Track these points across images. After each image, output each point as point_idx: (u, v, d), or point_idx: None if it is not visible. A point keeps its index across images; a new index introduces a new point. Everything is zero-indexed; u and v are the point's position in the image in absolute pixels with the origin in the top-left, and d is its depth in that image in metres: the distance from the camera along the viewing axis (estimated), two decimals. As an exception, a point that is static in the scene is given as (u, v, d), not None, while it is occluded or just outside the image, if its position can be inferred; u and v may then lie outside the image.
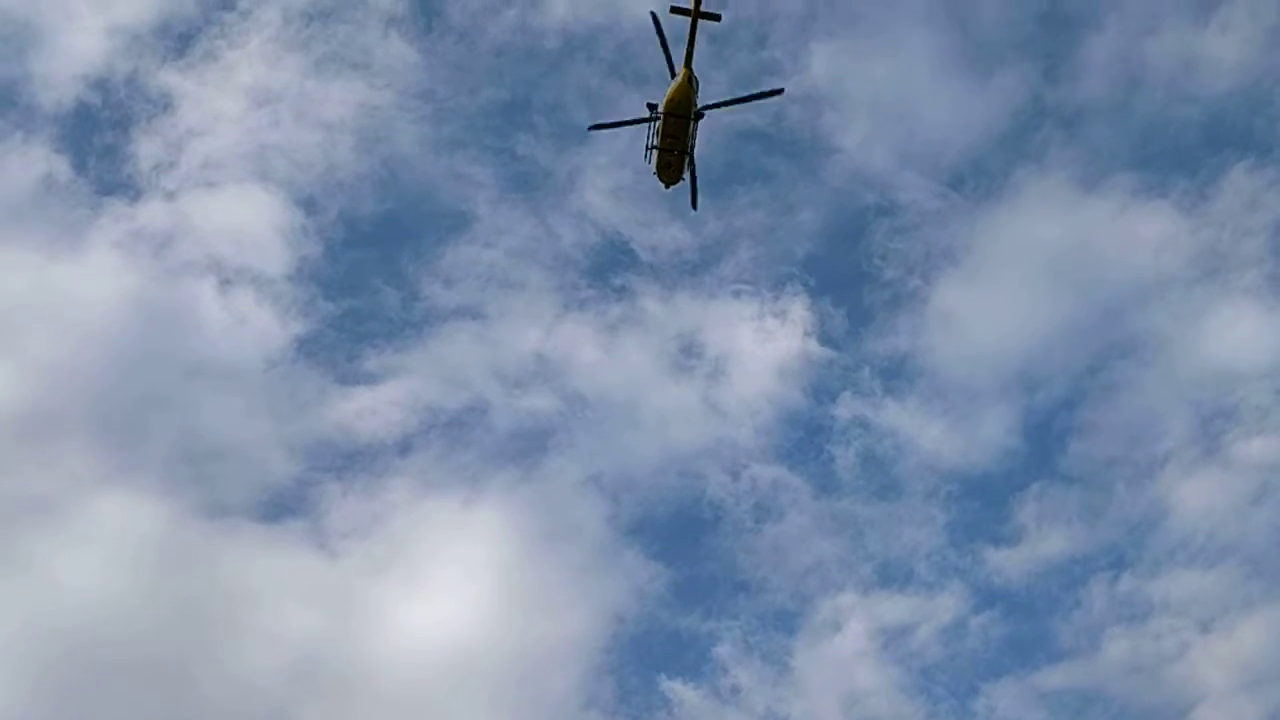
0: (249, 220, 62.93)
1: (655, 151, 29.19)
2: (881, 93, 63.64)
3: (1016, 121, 61.93)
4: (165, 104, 63.05)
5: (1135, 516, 56.85)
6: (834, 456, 61.29)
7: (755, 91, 29.55)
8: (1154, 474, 56.88)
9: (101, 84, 62.54)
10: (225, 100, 63.55)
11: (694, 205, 31.09)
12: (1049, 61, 61.81)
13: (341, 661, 54.44)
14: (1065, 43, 62.00)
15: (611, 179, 64.02)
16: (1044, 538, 57.88)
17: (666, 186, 31.05)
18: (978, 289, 61.66)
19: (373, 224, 65.07)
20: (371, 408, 60.49)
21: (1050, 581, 57.20)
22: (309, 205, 63.58)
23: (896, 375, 61.75)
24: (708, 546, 61.12)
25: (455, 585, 58.57)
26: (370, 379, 61.59)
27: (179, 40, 63.95)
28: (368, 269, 64.57)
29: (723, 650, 58.03)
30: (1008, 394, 60.30)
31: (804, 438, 61.91)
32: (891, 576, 58.91)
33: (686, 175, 30.23)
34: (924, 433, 60.63)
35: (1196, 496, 55.86)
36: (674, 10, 27.79)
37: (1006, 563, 57.87)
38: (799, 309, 62.67)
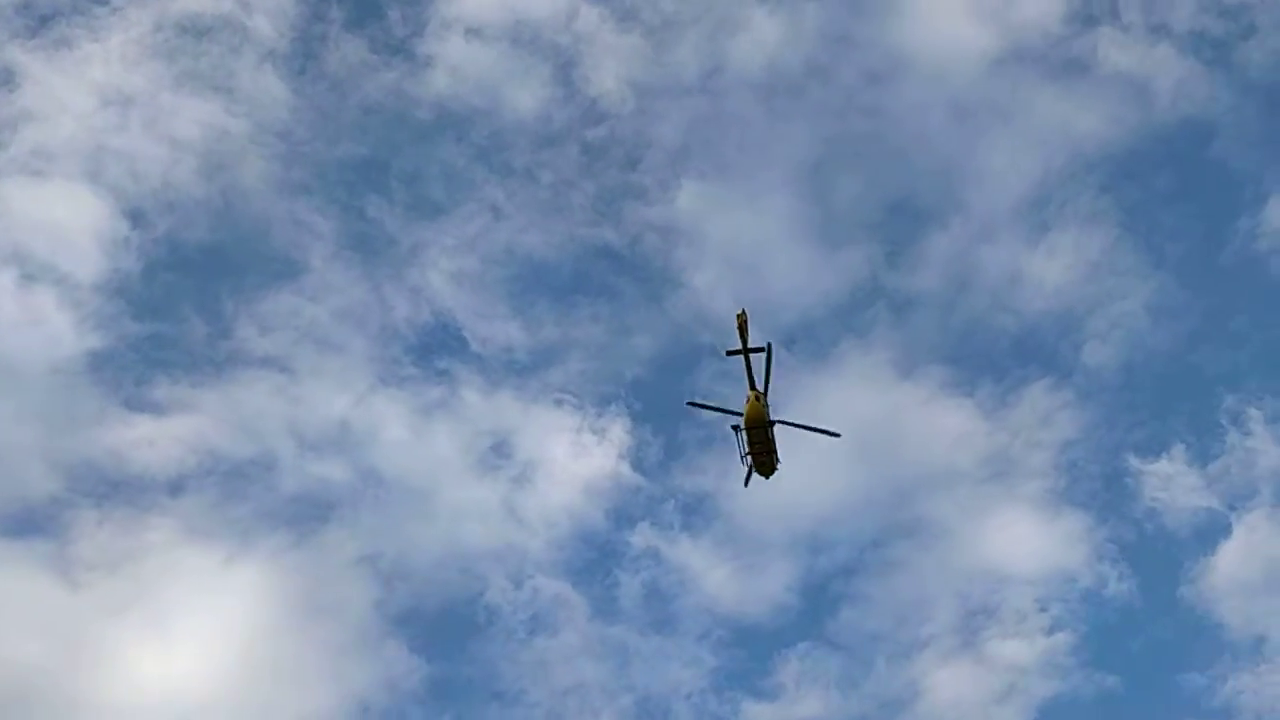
0: (69, 219, 59.80)
1: (749, 458, 36.06)
2: (736, 241, 65.71)
3: (853, 297, 64.72)
4: (6, 80, 60.13)
5: (889, 693, 58.35)
6: (619, 582, 61.22)
7: (817, 426, 36.06)
8: (913, 655, 58.71)
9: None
10: (72, 91, 60.91)
11: (832, 433, 36.89)
12: (892, 248, 65.05)
13: (60, 698, 50.87)
14: (910, 234, 65.48)
15: (457, 263, 63.91)
16: (801, 698, 58.75)
17: (767, 477, 37.17)
18: (787, 446, 63.33)
19: (199, 252, 62.73)
20: (150, 439, 57.53)
21: (798, 744, 57.96)
22: (136, 218, 60.98)
23: (696, 513, 62.45)
24: (474, 650, 59.81)
25: (199, 641, 55.52)
26: (157, 409, 58.71)
27: (38, 19, 61.29)
28: (182, 296, 61.95)
29: (469, 758, 56.68)
30: (795, 551, 61.68)
31: (595, 559, 61.73)
32: (649, 711, 58.66)
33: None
34: (709, 574, 61.25)
35: (948, 685, 57.82)
36: (729, 352, 35.14)
37: (761, 717, 58.45)
38: (618, 430, 63.05)
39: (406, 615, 58.72)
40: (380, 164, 65.21)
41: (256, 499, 58.58)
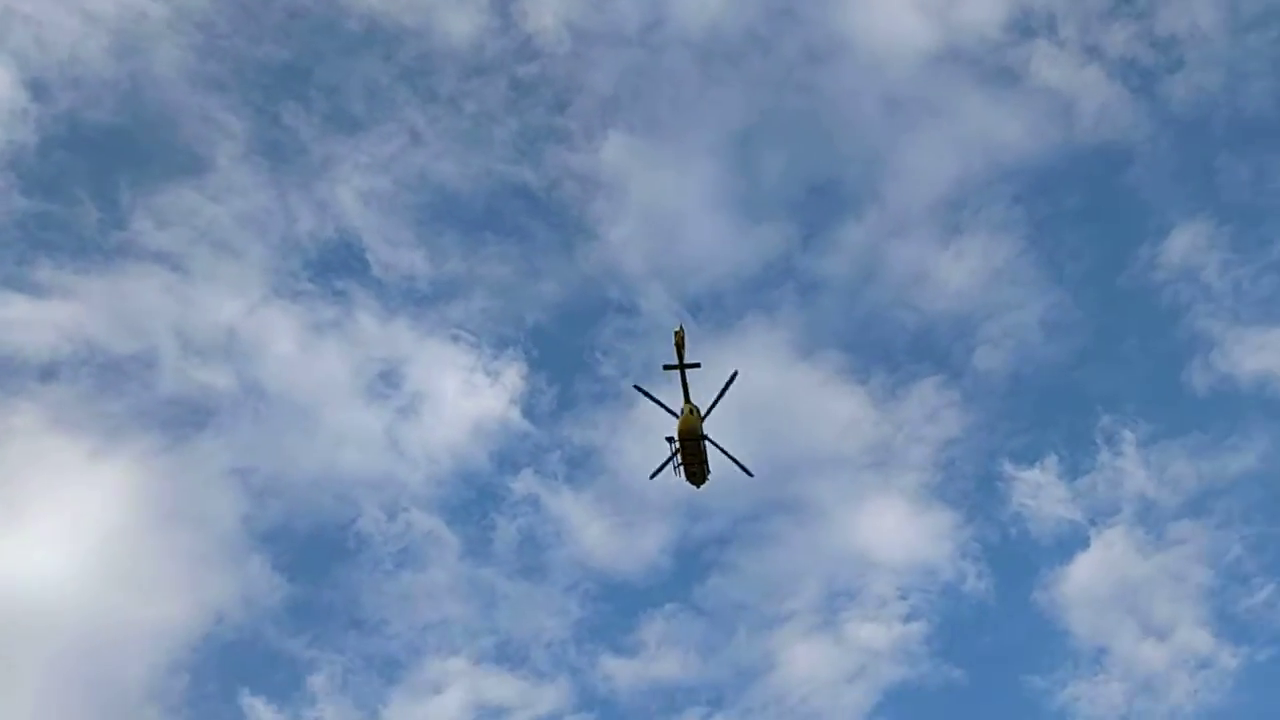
0: (-36, 81, 56.87)
1: (682, 468, 37.16)
2: (657, 201, 65.41)
3: (765, 273, 65.02)
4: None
5: (746, 662, 59.44)
6: (495, 525, 61.03)
7: (737, 460, 37.47)
8: (774, 628, 59.85)
9: None
10: (-18, -54, 57.62)
11: (748, 472, 38.26)
12: (809, 231, 65.48)
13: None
14: (828, 218, 65.95)
15: (369, 183, 62.42)
16: (659, 658, 59.49)
17: (699, 486, 37.99)
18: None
19: (101, 133, 60.12)
20: (27, 320, 55.53)
21: (651, 700, 58.71)
22: (38, 90, 58.26)
23: (581, 467, 62.46)
24: (339, 575, 59.21)
25: (54, 534, 54.08)
26: (37, 290, 56.51)
27: None
28: (78, 178, 59.46)
29: (317, 681, 56.16)
30: (673, 516, 62.13)
31: (473, 500, 61.42)
32: (508, 655, 58.86)
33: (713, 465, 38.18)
34: (587, 528, 61.41)
35: (804, 660, 59.12)
36: (666, 367, 36.51)
37: (619, 672, 59.01)
38: (513, 375, 62.55)
39: (274, 533, 57.98)
40: (301, 71, 63.25)
41: (131, 396, 57.03)
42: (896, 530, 61.10)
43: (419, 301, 62.38)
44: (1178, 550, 57.79)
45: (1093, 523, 59.25)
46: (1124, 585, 57.87)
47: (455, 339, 62.12)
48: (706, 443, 36.94)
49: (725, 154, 65.34)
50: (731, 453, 37.40)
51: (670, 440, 36.45)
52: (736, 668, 59.26)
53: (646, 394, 36.85)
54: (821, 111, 65.71)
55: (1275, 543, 57.17)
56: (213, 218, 60.04)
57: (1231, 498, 58.04)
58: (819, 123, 65.89)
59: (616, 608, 60.68)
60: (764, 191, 65.74)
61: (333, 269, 61.84)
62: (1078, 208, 64.98)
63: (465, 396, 61.65)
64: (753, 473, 38.25)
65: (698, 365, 35.79)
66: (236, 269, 60.23)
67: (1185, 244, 61.53)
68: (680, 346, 35.91)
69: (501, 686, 57.69)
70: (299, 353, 60.30)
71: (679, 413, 36.40)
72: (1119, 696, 55.72)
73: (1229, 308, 60.52)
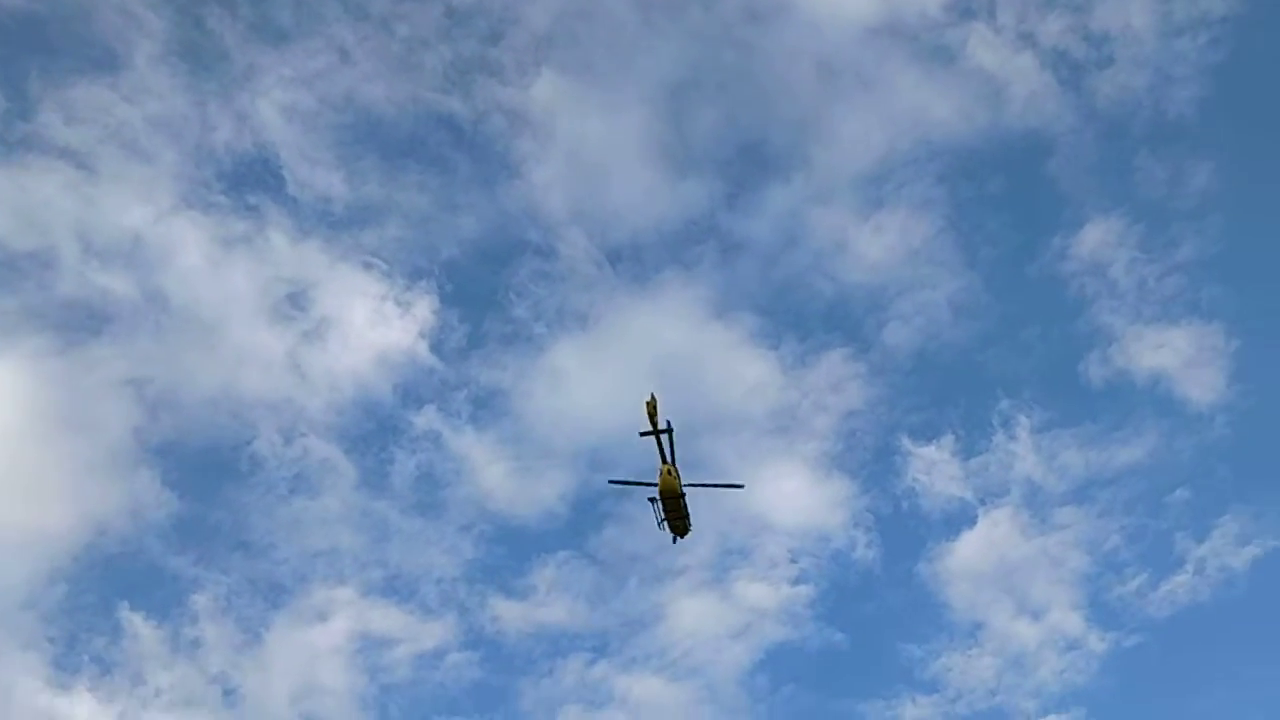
0: None
1: (664, 523, 39.70)
2: (584, 144, 64.72)
3: (687, 230, 64.88)
4: None
5: (634, 612, 60.10)
6: (394, 459, 60.49)
7: (721, 482, 40.13)
8: (665, 581, 60.53)
9: None
10: None
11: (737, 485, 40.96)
12: (735, 190, 65.43)
13: None
14: (754, 179, 65.92)
15: (292, 98, 60.66)
16: (548, 603, 59.83)
17: (682, 536, 40.43)
18: (592, 360, 63.50)
19: (10, 18, 57.28)
20: (-82, 207, 53.15)
21: (537, 644, 59.14)
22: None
23: (486, 407, 62.12)
24: (229, 496, 58.25)
25: (-67, 431, 52.30)
26: (-69, 176, 54.08)
27: None
28: (-18, 63, 56.84)
29: (200, 600, 55.50)
30: (575, 464, 62.24)
31: (374, 431, 60.74)
32: (397, 589, 58.67)
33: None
34: (486, 469, 61.23)
35: (690, 615, 59.96)
36: (642, 434, 37.88)
37: (506, 614, 59.24)
38: (424, 308, 61.71)
39: (166, 447, 56.80)
40: (230, -30, 60.97)
41: (26, 295, 55.04)
42: (794, 495, 62.12)
43: (333, 225, 61.11)
44: (1059, 535, 59.76)
45: (982, 502, 60.93)
46: (1004, 564, 59.72)
47: (368, 266, 61.13)
48: (686, 496, 39.45)
49: (657, 104, 64.92)
50: (712, 483, 39.82)
51: (653, 501, 38.83)
52: (624, 618, 59.96)
53: (624, 481, 39.40)
54: (757, 71, 65.54)
55: (1152, 535, 59.44)
56: (125, 118, 57.88)
57: (1115, 489, 60.08)
58: (753, 82, 65.75)
59: (510, 550, 60.85)
60: (693, 146, 65.53)
61: (247, 183, 60.22)
62: (998, 193, 65.98)
63: (373, 326, 60.83)
64: (742, 484, 41.04)
65: (669, 430, 37.57)
66: (146, 173, 58.27)
67: (1097, 239, 62.97)
68: (653, 414, 37.47)
69: (388, 619, 57.67)
70: (206, 266, 58.73)
71: (658, 474, 38.63)
72: (989, 671, 57.70)
73: (1132, 305, 62.23)
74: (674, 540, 41.11)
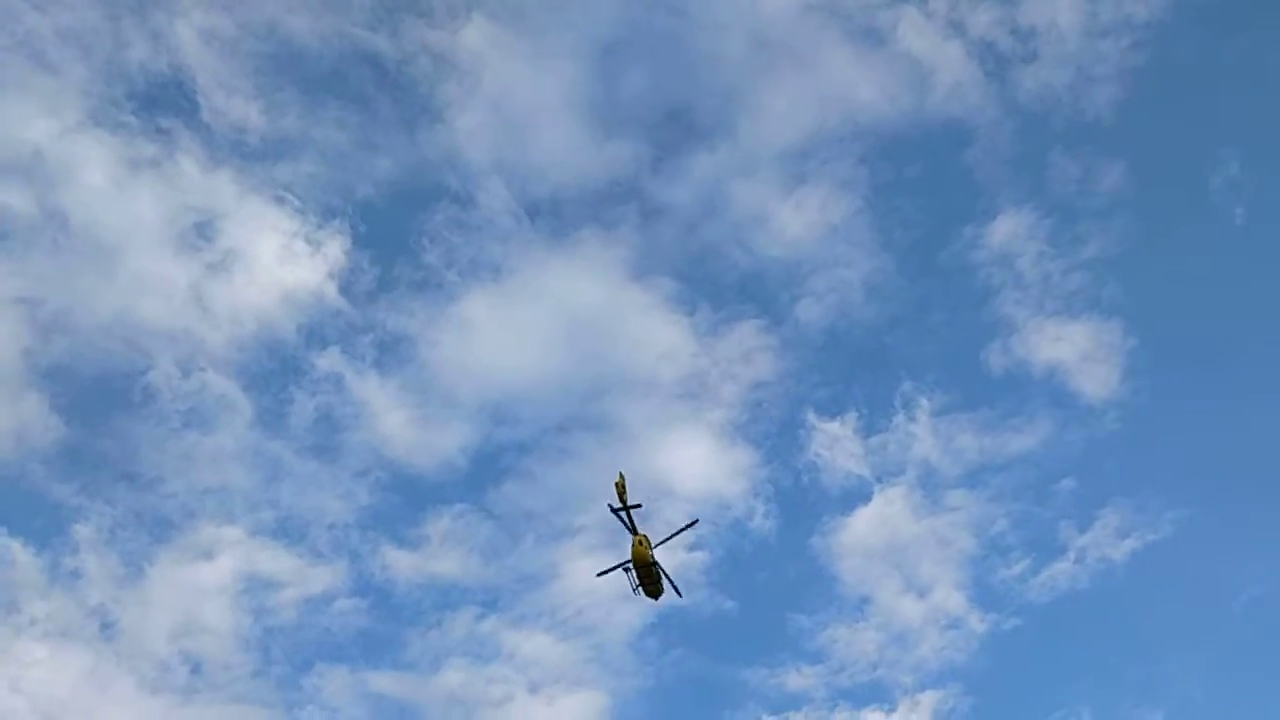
0: None
1: (639, 588, 42.34)
2: (511, 95, 63.89)
3: (609, 190, 64.55)
4: None
5: (527, 570, 60.05)
6: (293, 399, 59.44)
7: (681, 527, 42.13)
8: (561, 540, 60.56)
9: None
10: None
11: (678, 592, 43.00)
12: (660, 154, 65.20)
13: None
14: (679, 147, 65.79)
15: (213, 21, 58.89)
16: (441, 555, 59.48)
17: (656, 599, 42.78)
18: (503, 313, 63.02)
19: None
20: None
21: (427, 595, 58.79)
22: None
23: (392, 353, 61.31)
24: (120, 425, 56.77)
25: None
26: None
27: None
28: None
29: (83, 530, 54.25)
30: (479, 416, 61.83)
31: (275, 370, 59.57)
32: (287, 531, 57.83)
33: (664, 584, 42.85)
34: (388, 416, 60.50)
35: (582, 576, 60.00)
36: (612, 510, 40.86)
37: (397, 563, 58.76)
38: (336, 248, 60.53)
39: (56, 371, 55.29)
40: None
41: (-86, 203, 52.89)
42: (698, 463, 62.58)
43: (247, 155, 59.54)
44: (949, 517, 61.08)
45: (878, 480, 62.01)
46: (895, 542, 60.91)
47: (280, 201, 59.74)
48: (658, 566, 42.27)
49: (588, 61, 64.33)
50: (674, 532, 42.41)
51: (627, 569, 41.71)
52: (517, 574, 59.89)
53: (609, 570, 42.16)
54: (690, 36, 65.30)
55: (1037, 522, 61.05)
56: (34, 27, 55.73)
57: (1006, 475, 61.52)
58: (685, 47, 65.52)
59: (405, 499, 60.30)
60: (621, 107, 65.14)
61: (159, 105, 58.34)
62: (916, 178, 66.80)
63: (282, 263, 59.50)
64: (681, 593, 43.28)
65: (639, 505, 40.61)
66: (53, 86, 56.15)
67: (1007, 230, 64.14)
68: (622, 492, 40.41)
69: (276, 561, 56.80)
70: (110, 187, 56.88)
71: (631, 545, 41.70)
72: (873, 644, 58.88)
73: (1036, 298, 63.56)
74: (657, 598, 43.67)
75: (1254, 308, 63.98)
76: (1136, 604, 59.55)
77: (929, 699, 56.66)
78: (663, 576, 42.02)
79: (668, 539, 41.62)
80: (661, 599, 43.26)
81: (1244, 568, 58.86)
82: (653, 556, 41.09)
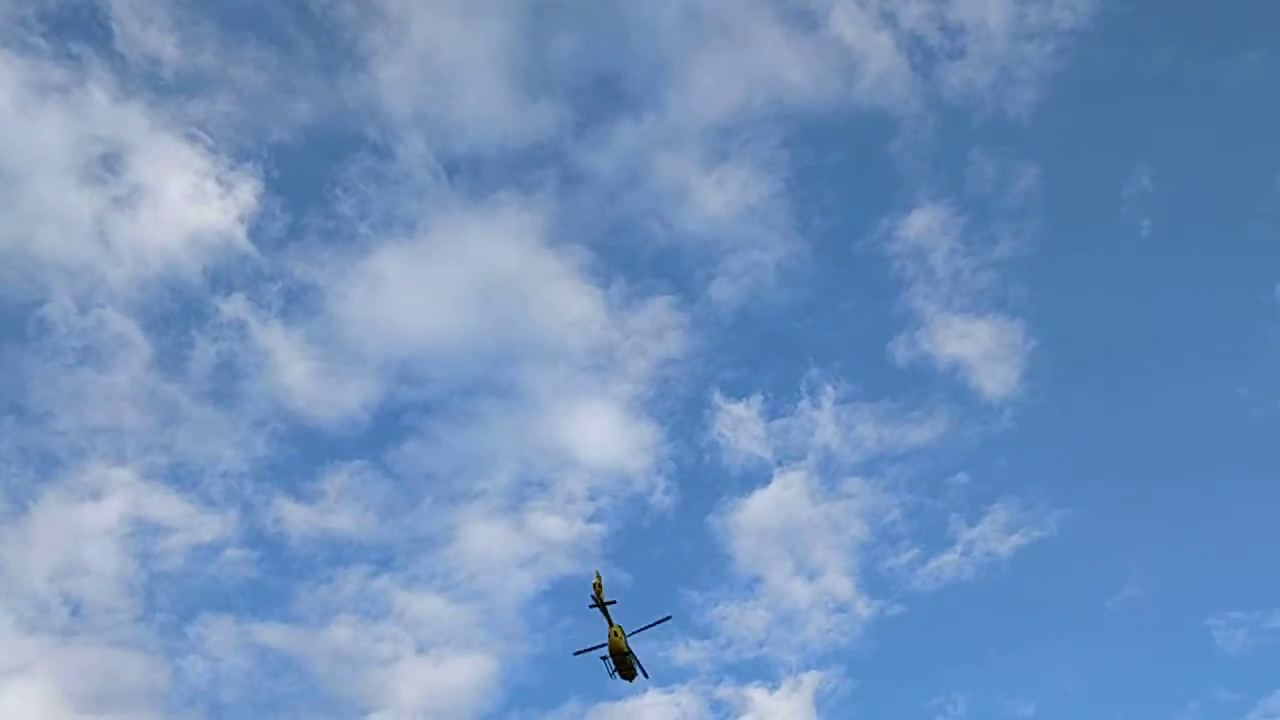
0: None
1: (616, 673, 44.79)
2: (438, 49, 63.03)
3: (532, 153, 64.17)
4: None
5: (424, 531, 59.89)
6: (194, 344, 58.34)
7: (653, 621, 44.40)
8: (460, 504, 60.51)
9: None
10: None
11: (645, 674, 45.38)
12: (584, 120, 64.92)
13: None
14: (605, 114, 65.55)
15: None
16: (337, 511, 59.02)
17: (630, 681, 45.22)
18: (415, 271, 62.44)
19: None
20: None
21: (320, 550, 58.31)
22: None
23: (299, 303, 60.41)
24: (10, 358, 55.47)
25: None
26: None
27: None
28: None
29: (-38, 464, 52.56)
30: (384, 374, 61.31)
31: (176, 312, 58.38)
32: (179, 476, 56.85)
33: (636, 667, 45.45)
34: (290, 367, 59.70)
35: (481, 540, 60.17)
36: (590, 606, 43.34)
37: (291, 516, 58.18)
38: (247, 192, 59.27)
39: (-55, 298, 53.31)
40: None
41: None
42: (601, 435, 62.98)
43: (160, 89, 57.93)
44: (844, 503, 62.25)
45: (779, 463, 62.97)
46: (790, 525, 61.98)
47: (192, 138, 58.29)
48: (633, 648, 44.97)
49: (518, 20, 63.69)
50: (646, 625, 44.87)
51: (604, 659, 44.09)
52: (413, 535, 59.70)
53: (585, 650, 44.47)
54: (624, 3, 64.95)
55: (928, 514, 62.56)
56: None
57: (902, 466, 62.86)
58: (618, 15, 65.19)
59: (303, 453, 59.64)
60: (548, 69, 64.64)
61: (71, 30, 56.51)
62: (837, 165, 67.51)
63: (191, 202, 58.16)
64: (669, 616, 45.34)
65: (614, 602, 43.16)
66: (-45, 1, 54.05)
67: (922, 225, 65.17)
68: (599, 590, 43.04)
69: (166, 506, 55.90)
70: (14, 111, 55.10)
71: (607, 636, 44.21)
72: (761, 623, 59.95)
73: (944, 294, 64.80)
74: (630, 680, 46.20)
75: (1151, 320, 66.07)
76: (1017, 598, 61.49)
77: (811, 679, 57.98)
78: (635, 664, 44.72)
79: (641, 630, 43.99)
80: (635, 680, 46.04)
81: (1122, 569, 61.09)
82: (627, 646, 43.85)
